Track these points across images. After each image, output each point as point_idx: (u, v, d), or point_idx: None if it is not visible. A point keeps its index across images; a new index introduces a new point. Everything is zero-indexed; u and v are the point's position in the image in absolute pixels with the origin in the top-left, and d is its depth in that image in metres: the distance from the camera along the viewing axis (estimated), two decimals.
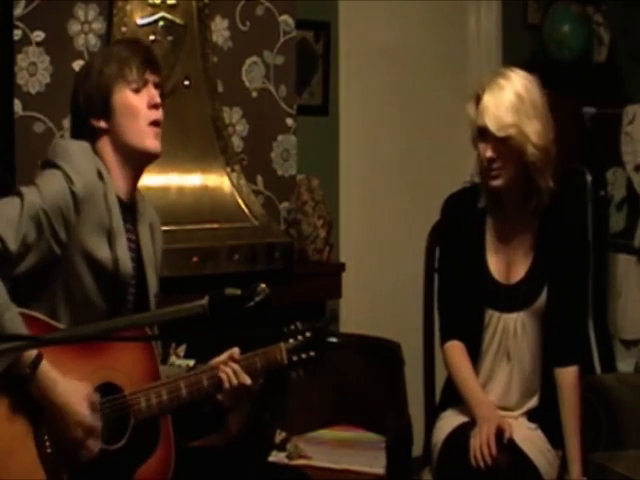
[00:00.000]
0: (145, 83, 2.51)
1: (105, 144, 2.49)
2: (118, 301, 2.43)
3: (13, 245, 2.26)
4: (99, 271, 2.39)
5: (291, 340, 2.63)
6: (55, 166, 2.40)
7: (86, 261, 2.38)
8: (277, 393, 3.36)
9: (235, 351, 2.55)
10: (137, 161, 2.52)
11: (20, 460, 2.22)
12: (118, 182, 2.49)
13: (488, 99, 2.85)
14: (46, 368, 2.23)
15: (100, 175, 2.43)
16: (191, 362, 3.39)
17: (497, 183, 2.88)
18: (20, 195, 2.33)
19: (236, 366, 2.51)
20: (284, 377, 2.76)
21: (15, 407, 2.23)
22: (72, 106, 2.55)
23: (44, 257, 2.32)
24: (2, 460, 2.20)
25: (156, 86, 2.53)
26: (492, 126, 2.82)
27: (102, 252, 2.40)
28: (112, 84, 2.48)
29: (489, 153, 2.86)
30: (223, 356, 2.55)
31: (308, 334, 2.64)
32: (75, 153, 2.42)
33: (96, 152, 2.48)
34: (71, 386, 2.27)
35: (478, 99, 2.89)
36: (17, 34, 3.35)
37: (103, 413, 2.32)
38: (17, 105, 3.36)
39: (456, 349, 2.97)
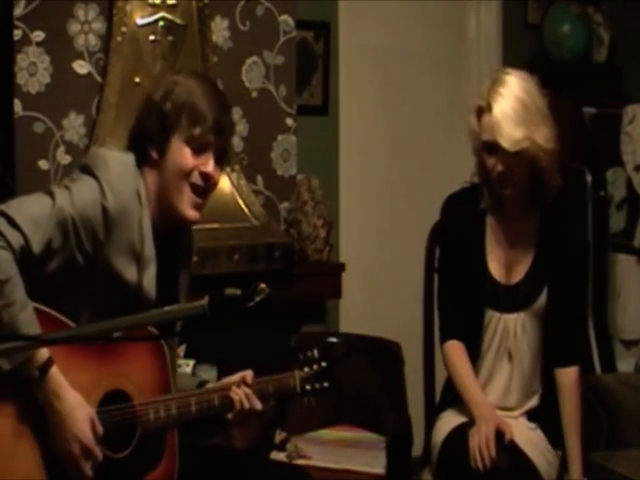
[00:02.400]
0: (206, 148, 2.38)
1: (151, 173, 2.40)
2: None
3: (37, 247, 2.21)
4: (120, 290, 2.34)
5: (306, 369, 2.61)
6: (92, 175, 2.31)
7: (109, 278, 2.32)
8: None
9: (248, 374, 2.51)
10: (170, 213, 2.41)
11: (23, 460, 2.20)
12: (155, 211, 2.39)
13: (495, 114, 2.81)
14: (56, 374, 2.21)
15: (139, 197, 2.34)
16: (191, 362, 3.39)
17: (509, 192, 2.88)
18: (52, 195, 2.27)
19: (249, 390, 2.48)
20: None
21: (22, 407, 2.21)
22: (139, 116, 2.42)
23: (67, 263, 2.27)
24: (6, 460, 2.18)
25: (218, 151, 2.41)
26: (505, 143, 2.79)
27: (129, 275, 2.34)
28: (174, 127, 2.37)
29: (500, 167, 2.84)
30: (236, 377, 2.52)
31: (324, 364, 2.62)
32: (114, 169, 2.33)
33: (141, 174, 2.39)
34: (78, 399, 2.24)
35: (480, 111, 2.87)
36: (17, 34, 3.35)
37: (109, 422, 2.28)
38: (17, 105, 3.37)
39: (455, 349, 2.97)
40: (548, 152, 2.84)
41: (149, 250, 2.37)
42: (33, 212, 2.24)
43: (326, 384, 2.62)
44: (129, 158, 2.39)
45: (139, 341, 2.36)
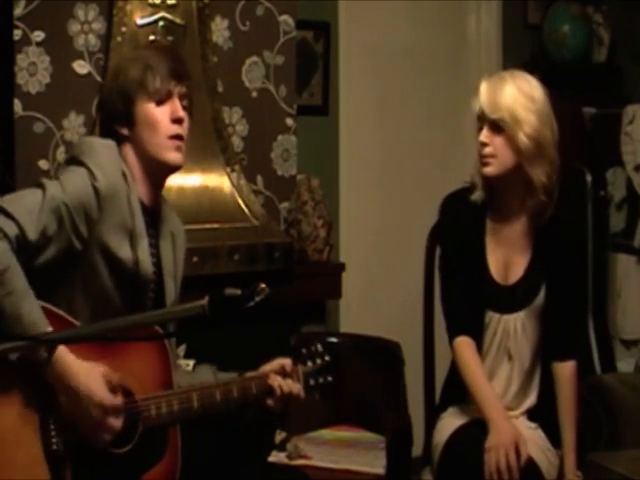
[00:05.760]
0: (169, 95, 2.45)
1: (128, 150, 2.46)
2: (136, 302, 2.42)
3: (33, 235, 2.25)
4: (119, 270, 2.38)
5: (309, 363, 2.61)
6: (79, 163, 2.38)
7: (106, 259, 2.36)
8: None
9: (287, 362, 2.56)
10: (158, 170, 2.48)
11: (26, 454, 2.22)
12: (140, 187, 2.46)
13: (486, 85, 2.85)
14: (62, 352, 2.23)
15: (124, 176, 2.41)
16: (191, 362, 3.39)
17: (488, 170, 2.86)
18: (42, 187, 2.32)
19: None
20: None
21: (25, 400, 2.23)
22: (99, 107, 2.54)
23: (64, 250, 2.31)
24: (8, 452, 2.20)
25: (182, 97, 2.47)
26: (486, 107, 2.82)
27: (123, 252, 2.38)
28: (134, 93, 2.44)
29: (482, 137, 2.85)
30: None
31: (328, 358, 2.61)
32: (100, 151, 2.40)
33: (120, 155, 2.45)
34: (87, 367, 2.26)
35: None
36: (17, 34, 3.35)
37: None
38: (17, 105, 3.37)
39: (466, 344, 2.93)
40: (529, 137, 2.80)
41: (139, 225, 2.42)
42: (25, 202, 2.29)
43: (330, 378, 2.61)
44: (112, 142, 2.45)
45: (134, 341, 2.36)
